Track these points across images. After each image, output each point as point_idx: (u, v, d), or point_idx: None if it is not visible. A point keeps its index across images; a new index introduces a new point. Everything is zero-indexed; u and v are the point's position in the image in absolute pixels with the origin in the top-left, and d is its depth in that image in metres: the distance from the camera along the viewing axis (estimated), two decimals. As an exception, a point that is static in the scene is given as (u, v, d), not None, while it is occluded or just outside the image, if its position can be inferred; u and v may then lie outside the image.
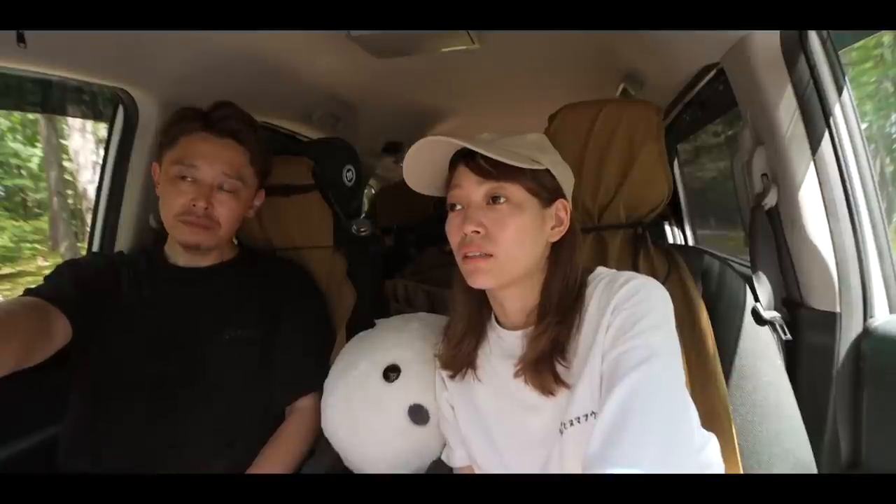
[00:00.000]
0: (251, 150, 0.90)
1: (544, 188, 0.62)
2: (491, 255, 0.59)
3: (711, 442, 0.67)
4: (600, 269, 0.65)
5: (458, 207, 0.63)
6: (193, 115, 0.88)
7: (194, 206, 0.83)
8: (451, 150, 0.64)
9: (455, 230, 0.62)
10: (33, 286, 0.81)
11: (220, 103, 0.90)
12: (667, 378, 0.51)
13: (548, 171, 0.62)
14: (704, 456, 0.65)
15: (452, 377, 0.72)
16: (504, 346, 0.67)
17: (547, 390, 0.60)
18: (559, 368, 0.59)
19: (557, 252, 0.64)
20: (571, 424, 0.58)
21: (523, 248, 0.60)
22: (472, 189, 0.61)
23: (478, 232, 0.59)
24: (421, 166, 0.66)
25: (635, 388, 0.50)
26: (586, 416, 0.57)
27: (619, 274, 0.61)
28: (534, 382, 0.61)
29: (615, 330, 0.55)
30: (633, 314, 0.55)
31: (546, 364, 0.59)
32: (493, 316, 0.70)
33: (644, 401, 0.49)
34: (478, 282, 0.61)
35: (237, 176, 0.88)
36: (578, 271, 0.63)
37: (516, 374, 0.62)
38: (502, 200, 0.60)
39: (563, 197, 0.65)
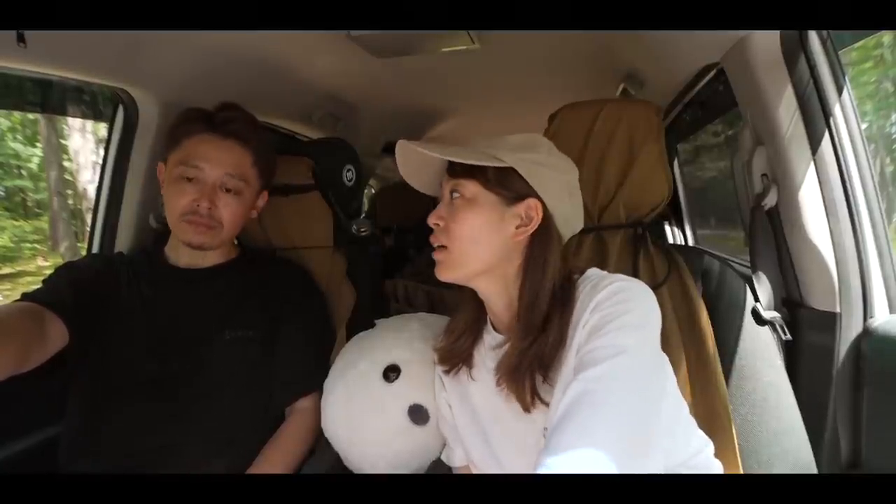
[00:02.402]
0: (254, 151, 0.91)
1: (502, 186, 0.61)
2: (445, 247, 0.63)
3: (708, 447, 0.67)
4: (590, 272, 0.62)
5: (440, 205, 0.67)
6: (197, 116, 0.88)
7: (197, 206, 0.84)
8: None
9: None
10: (31, 289, 0.81)
11: (225, 104, 0.90)
12: (631, 376, 0.49)
13: (511, 169, 0.61)
14: (703, 458, 0.65)
15: (447, 372, 0.72)
16: (494, 349, 0.67)
17: (525, 405, 0.59)
18: (541, 383, 0.58)
19: (530, 253, 0.63)
20: None
21: (476, 243, 0.62)
22: (444, 187, 0.65)
23: (438, 225, 0.64)
24: (417, 169, 0.69)
25: (592, 383, 0.49)
26: None
27: (606, 276, 0.60)
28: (513, 393, 0.60)
29: (590, 327, 0.54)
30: (610, 313, 0.54)
31: (523, 375, 0.58)
32: (489, 317, 0.70)
33: (598, 395, 0.48)
34: (439, 274, 0.64)
35: (240, 177, 0.88)
36: (552, 274, 0.61)
37: (497, 383, 0.62)
38: (456, 195, 0.63)
39: (536, 197, 0.62)
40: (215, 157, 0.86)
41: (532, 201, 0.62)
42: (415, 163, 0.68)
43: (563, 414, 0.48)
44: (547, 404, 0.58)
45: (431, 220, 0.64)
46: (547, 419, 0.58)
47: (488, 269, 0.63)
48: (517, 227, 0.62)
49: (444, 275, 0.64)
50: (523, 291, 0.62)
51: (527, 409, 0.59)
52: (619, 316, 0.53)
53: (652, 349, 0.54)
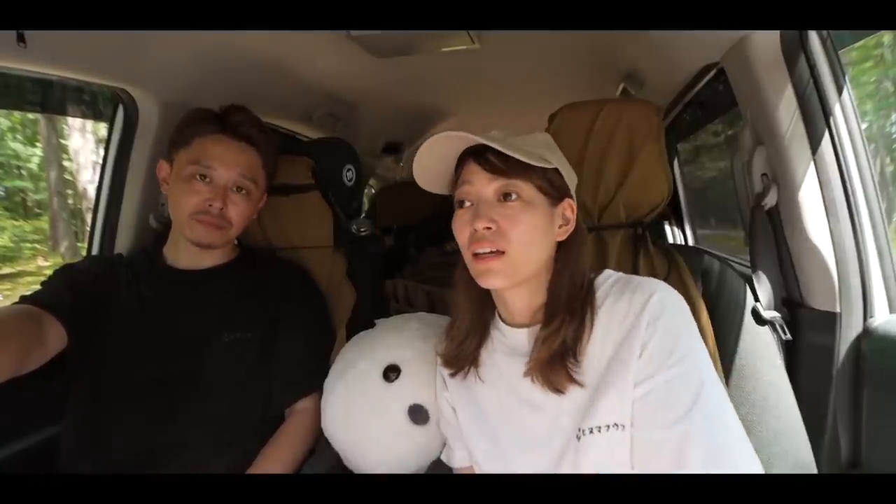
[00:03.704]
0: (263, 154, 0.92)
1: (553, 187, 0.62)
2: (503, 252, 0.58)
3: None
4: (608, 272, 0.65)
5: (468, 204, 0.62)
6: (209, 116, 0.89)
7: (210, 205, 0.85)
8: (460, 147, 0.63)
9: (464, 226, 0.61)
10: (31, 290, 0.81)
11: (234, 107, 0.91)
12: (721, 399, 0.54)
13: (556, 170, 0.62)
14: None
15: (454, 375, 0.71)
16: (509, 344, 0.66)
17: (557, 388, 0.59)
18: (571, 368, 0.59)
19: (565, 251, 0.64)
20: (591, 432, 0.57)
21: (534, 247, 0.60)
22: (483, 185, 0.60)
23: (489, 228, 0.59)
24: (432, 162, 0.65)
25: (704, 427, 0.51)
26: (612, 426, 0.56)
27: (631, 278, 0.61)
28: (544, 381, 0.60)
29: (654, 351, 0.55)
30: (667, 333, 0.55)
31: (558, 364, 0.59)
32: (496, 314, 0.69)
33: (720, 438, 0.51)
34: (489, 282, 0.60)
35: (251, 178, 0.90)
36: (586, 270, 0.63)
37: (526, 373, 0.62)
38: (514, 197, 0.59)
39: (570, 196, 0.64)
40: (228, 158, 0.87)
41: (568, 201, 0.64)
42: (433, 158, 0.64)
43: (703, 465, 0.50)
44: (579, 384, 0.59)
45: (482, 224, 0.59)
46: (581, 418, 0.58)
47: (536, 272, 0.62)
48: (560, 227, 0.63)
49: (498, 283, 0.60)
50: (559, 287, 0.62)
51: (561, 392, 0.59)
52: (678, 337, 0.55)
53: (703, 347, 0.57)
